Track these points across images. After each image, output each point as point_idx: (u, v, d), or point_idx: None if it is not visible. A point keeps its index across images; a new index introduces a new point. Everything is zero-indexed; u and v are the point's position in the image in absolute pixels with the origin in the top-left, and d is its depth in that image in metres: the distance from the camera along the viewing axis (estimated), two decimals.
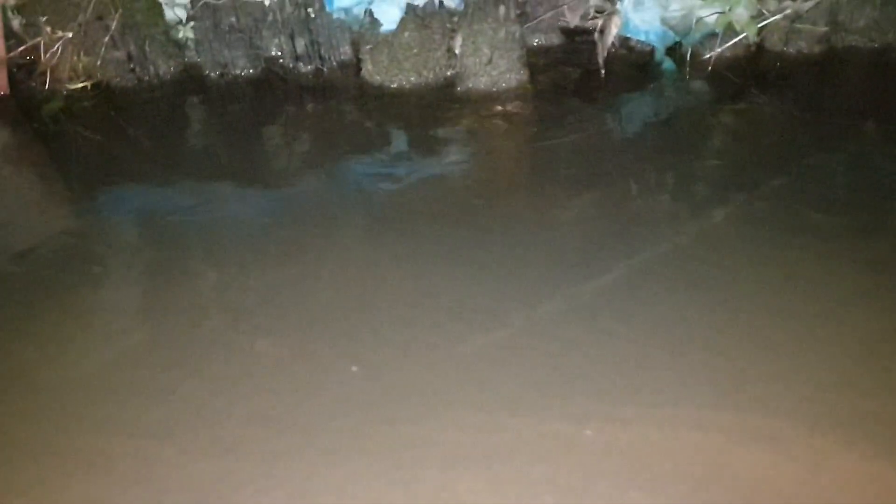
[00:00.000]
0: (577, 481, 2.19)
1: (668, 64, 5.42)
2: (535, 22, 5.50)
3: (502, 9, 5.02)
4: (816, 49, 5.34)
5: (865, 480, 2.06)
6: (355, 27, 5.33)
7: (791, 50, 5.36)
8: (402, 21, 5.14)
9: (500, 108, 4.92)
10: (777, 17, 5.28)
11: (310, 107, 5.12)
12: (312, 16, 5.26)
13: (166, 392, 2.70)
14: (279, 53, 5.34)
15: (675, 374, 2.64)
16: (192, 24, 5.31)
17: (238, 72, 5.32)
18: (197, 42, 5.34)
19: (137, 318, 3.19)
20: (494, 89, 5.07)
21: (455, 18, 5.14)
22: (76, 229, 3.99)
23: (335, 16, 5.31)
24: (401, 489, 2.20)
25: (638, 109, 5.06)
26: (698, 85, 5.20)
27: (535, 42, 5.52)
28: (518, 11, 5.17)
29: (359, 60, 5.28)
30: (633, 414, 2.43)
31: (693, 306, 3.00)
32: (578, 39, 5.52)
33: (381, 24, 5.24)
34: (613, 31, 5.33)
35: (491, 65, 5.06)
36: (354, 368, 2.76)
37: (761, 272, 3.18)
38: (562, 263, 3.34)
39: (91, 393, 2.74)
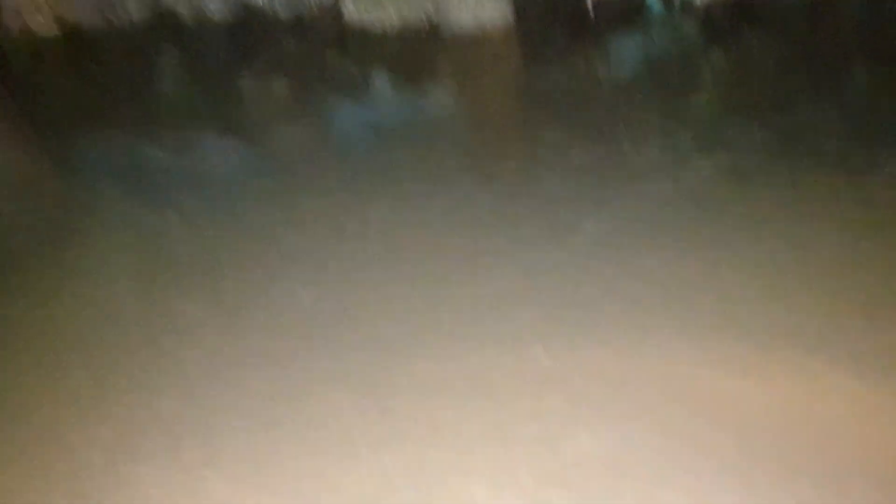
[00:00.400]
0: (562, 410, 2.12)
1: (658, 7, 5.31)
2: None
3: None
4: None
5: (851, 401, 2.03)
6: None
7: None
8: None
9: (485, 48, 4.80)
10: None
11: (290, 50, 4.97)
12: None
13: (148, 336, 2.62)
14: None
15: (666, 308, 2.59)
16: None
17: (214, 15, 5.16)
18: None
19: (118, 267, 3.10)
20: (480, 30, 4.94)
21: None
22: (51, 182, 3.89)
23: None
24: (377, 419, 2.13)
25: (627, 53, 4.95)
26: (689, 28, 5.11)
27: None
28: None
29: (339, 1, 5.13)
30: (624, 345, 2.35)
31: (685, 242, 2.94)
32: None
33: None
34: None
35: (477, 5, 4.92)
36: (303, 291, 2.71)
37: (750, 208, 3.13)
38: (554, 205, 3.27)
39: (74, 337, 2.65)
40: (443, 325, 2.59)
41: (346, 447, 2.00)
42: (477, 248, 3.05)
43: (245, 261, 3.08)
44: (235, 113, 4.40)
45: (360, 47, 4.95)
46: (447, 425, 2.09)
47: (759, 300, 2.53)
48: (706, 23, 5.19)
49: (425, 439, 2.03)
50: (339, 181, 3.69)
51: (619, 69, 4.81)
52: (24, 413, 2.25)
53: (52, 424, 2.16)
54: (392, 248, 3.08)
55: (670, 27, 5.21)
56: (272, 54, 5.04)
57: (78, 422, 2.17)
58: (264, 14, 5.28)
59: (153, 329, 2.71)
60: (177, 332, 2.67)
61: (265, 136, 4.12)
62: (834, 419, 1.95)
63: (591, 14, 5.17)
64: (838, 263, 2.73)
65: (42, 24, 5.14)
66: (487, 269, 2.89)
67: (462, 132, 4.05)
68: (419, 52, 4.80)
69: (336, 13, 5.20)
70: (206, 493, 1.85)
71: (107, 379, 2.37)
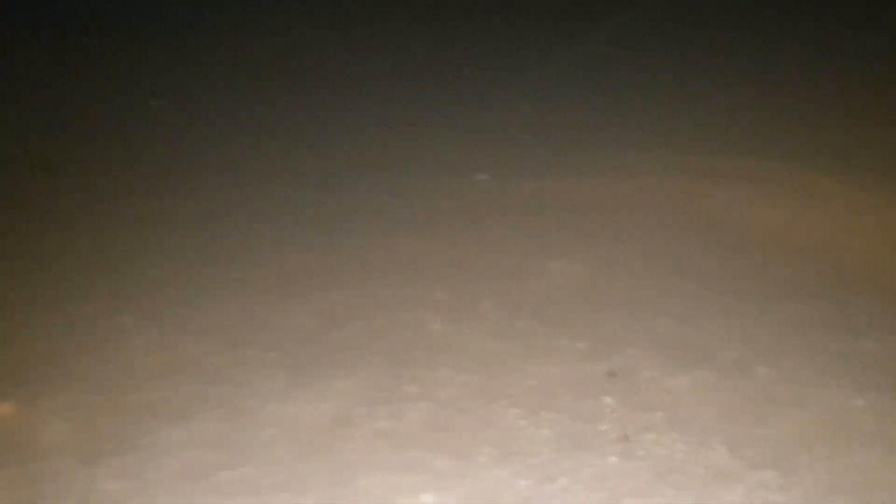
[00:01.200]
0: (534, 239, 1.86)
1: None
2: None
3: None
4: None
5: (850, 209, 1.81)
6: None
7: None
8: None
9: None
10: None
11: None
12: None
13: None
14: None
15: (657, 125, 2.35)
16: None
17: None
18: None
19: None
20: None
21: None
22: None
23: None
24: (325, 256, 1.89)
25: None
26: None
27: None
28: None
29: None
30: (607, 166, 2.08)
31: (681, 56, 2.76)
32: None
33: None
34: None
35: None
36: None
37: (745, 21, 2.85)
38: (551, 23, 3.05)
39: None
40: (401, 153, 2.35)
41: (290, 286, 1.77)
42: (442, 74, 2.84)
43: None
44: None
45: None
46: (402, 260, 1.86)
47: (752, 116, 2.27)
48: None
49: (378, 275, 1.80)
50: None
51: None
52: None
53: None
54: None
55: None
56: None
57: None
58: None
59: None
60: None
61: None
62: (828, 228, 1.72)
63: None
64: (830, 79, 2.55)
65: None
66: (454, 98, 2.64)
67: None
68: None
69: None
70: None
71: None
